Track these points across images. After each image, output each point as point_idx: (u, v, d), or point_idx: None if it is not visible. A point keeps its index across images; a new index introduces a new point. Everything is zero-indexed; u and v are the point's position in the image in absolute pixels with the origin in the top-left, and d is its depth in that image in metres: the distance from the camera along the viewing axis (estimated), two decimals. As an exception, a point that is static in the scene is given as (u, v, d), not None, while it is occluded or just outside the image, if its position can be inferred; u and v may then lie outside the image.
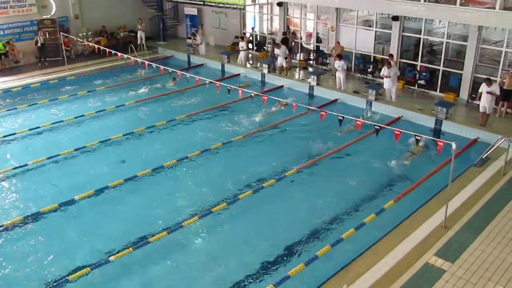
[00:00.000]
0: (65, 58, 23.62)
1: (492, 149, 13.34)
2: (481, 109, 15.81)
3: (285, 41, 22.06)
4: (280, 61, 21.63)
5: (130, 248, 9.82)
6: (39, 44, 24.59)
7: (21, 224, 11.00)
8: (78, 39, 25.17)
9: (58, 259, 9.89)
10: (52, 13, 25.99)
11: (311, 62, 23.69)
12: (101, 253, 9.99)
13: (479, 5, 16.75)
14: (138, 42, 27.11)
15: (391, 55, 18.64)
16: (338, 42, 21.44)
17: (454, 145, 9.71)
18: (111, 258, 9.52)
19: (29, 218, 11.15)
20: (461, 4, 16.58)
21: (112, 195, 12.31)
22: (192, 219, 10.87)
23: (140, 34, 27.27)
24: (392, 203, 11.32)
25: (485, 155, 13.41)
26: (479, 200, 11.43)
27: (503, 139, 13.10)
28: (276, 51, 21.75)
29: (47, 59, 25.06)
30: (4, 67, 23.80)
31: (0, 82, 21.77)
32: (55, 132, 16.46)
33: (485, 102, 15.62)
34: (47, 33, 25.32)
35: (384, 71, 17.62)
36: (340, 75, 19.40)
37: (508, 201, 11.39)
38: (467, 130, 15.40)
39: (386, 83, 17.71)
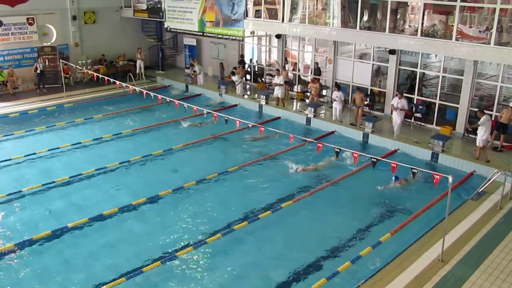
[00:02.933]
0: (64, 85, 23.73)
1: (489, 182, 13.34)
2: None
3: (241, 63, 24.09)
4: (277, 92, 21.78)
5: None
6: (38, 71, 24.75)
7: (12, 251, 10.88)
8: (78, 66, 25.36)
9: None
10: (52, 41, 26.28)
11: (308, 94, 23.83)
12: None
13: (474, 40, 16.99)
14: (137, 71, 27.35)
15: (401, 92, 18.60)
16: (315, 79, 21.87)
17: (450, 179, 9.71)
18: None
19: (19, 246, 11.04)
20: (456, 39, 16.81)
21: (112, 222, 12.23)
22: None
23: (139, 63, 27.52)
24: (389, 236, 11.24)
25: (482, 189, 13.40)
26: (476, 234, 11.38)
27: (499, 173, 13.11)
28: (275, 79, 21.93)
29: (46, 85, 25.19)
30: (2, 93, 23.92)
31: (-1, 108, 21.86)
32: (51, 158, 16.39)
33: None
34: (46, 60, 25.51)
35: (395, 102, 17.71)
36: (337, 106, 19.49)
37: (505, 235, 11.35)
38: (464, 164, 15.43)
39: (395, 115, 17.76)
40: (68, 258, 10.75)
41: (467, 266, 10.08)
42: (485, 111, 16.00)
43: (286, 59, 24.95)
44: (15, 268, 10.38)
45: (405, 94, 18.44)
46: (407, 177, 14.00)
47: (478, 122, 15.48)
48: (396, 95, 18.05)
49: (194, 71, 25.74)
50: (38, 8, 25.37)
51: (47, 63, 25.51)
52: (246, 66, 26.64)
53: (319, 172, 15.29)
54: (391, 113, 18.32)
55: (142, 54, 27.62)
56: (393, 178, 13.96)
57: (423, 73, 19.75)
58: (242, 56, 26.52)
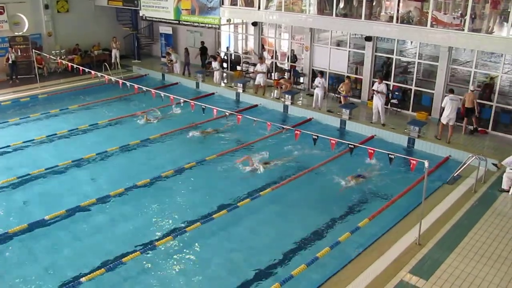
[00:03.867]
0: (38, 76, 23.28)
1: (464, 167, 13.56)
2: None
3: (203, 50, 25.63)
4: (259, 80, 21.75)
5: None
6: (10, 61, 24.20)
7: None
8: (51, 56, 24.90)
9: None
10: (24, 30, 25.74)
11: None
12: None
13: (449, 27, 17.19)
14: (113, 61, 26.97)
15: (380, 77, 18.54)
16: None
17: (426, 163, 9.84)
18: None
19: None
20: (431, 26, 16.97)
21: (98, 211, 12.15)
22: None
23: (115, 53, 27.15)
24: (367, 221, 11.38)
25: (457, 173, 13.63)
26: (452, 218, 11.59)
27: (474, 157, 13.34)
28: (258, 67, 21.90)
29: (18, 76, 24.68)
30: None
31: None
32: (26, 150, 16.12)
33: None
34: (19, 50, 24.99)
35: (375, 86, 17.80)
36: (319, 92, 19.57)
37: (479, 218, 11.59)
38: (439, 148, 15.67)
39: (376, 99, 17.75)
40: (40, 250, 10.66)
41: (443, 248, 10.26)
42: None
43: (263, 47, 24.89)
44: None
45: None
46: (364, 173, 14.04)
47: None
48: (376, 80, 18.12)
49: (171, 60, 25.52)
50: (9, -3, 24.78)
51: (19, 53, 24.99)
52: (223, 54, 26.51)
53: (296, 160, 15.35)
54: (370, 99, 18.36)
55: (117, 44, 27.24)
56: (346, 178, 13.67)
57: (399, 60, 19.92)
58: (202, 43, 26.40)
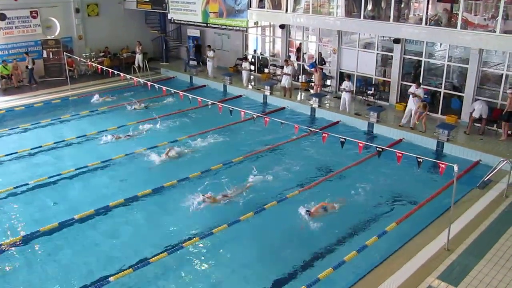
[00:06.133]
0: (68, 78, 23.77)
1: (494, 171, 13.31)
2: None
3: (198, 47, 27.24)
4: (284, 82, 21.76)
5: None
6: (30, 67, 24.66)
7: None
8: (81, 59, 25.39)
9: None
10: (56, 34, 26.30)
11: (312, 84, 23.81)
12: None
13: (480, 28, 16.89)
14: (136, 65, 26.98)
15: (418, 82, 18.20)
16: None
17: (456, 168, 9.71)
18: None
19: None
20: (461, 28, 16.70)
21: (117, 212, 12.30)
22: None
23: (138, 57, 27.36)
24: (394, 226, 11.27)
25: (487, 178, 13.38)
26: (482, 223, 11.39)
27: (505, 162, 13.08)
28: (284, 69, 21.92)
29: (50, 78, 25.36)
30: (7, 86, 24.00)
31: (4, 101, 21.96)
32: (58, 151, 16.48)
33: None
34: (51, 53, 25.61)
35: (412, 89, 17.56)
36: (346, 96, 19.48)
37: (511, 223, 11.33)
38: (469, 152, 15.41)
39: (411, 103, 17.49)
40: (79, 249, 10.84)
41: (473, 255, 10.09)
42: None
43: (299, 50, 24.80)
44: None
45: (410, 84, 18.38)
46: (334, 202, 12.54)
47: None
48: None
49: (208, 56, 25.60)
50: (42, 1, 25.38)
51: (51, 56, 25.60)
52: (250, 57, 26.58)
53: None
54: (407, 99, 17.94)
55: (140, 48, 27.46)
56: (305, 210, 11.97)
57: (428, 62, 19.66)
58: (197, 41, 28.52)
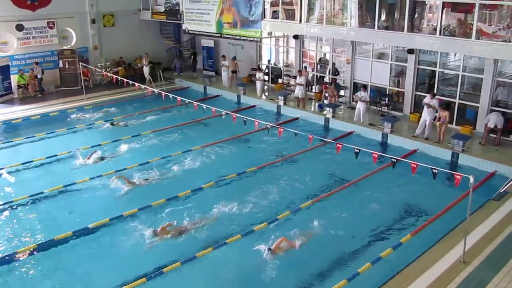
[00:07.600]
0: (84, 88, 24.01)
1: (510, 182, 13.17)
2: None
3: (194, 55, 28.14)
4: (297, 92, 21.78)
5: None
6: (39, 77, 24.89)
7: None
8: (97, 69, 25.70)
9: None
10: (72, 44, 26.65)
11: (326, 95, 23.79)
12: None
13: (494, 39, 16.80)
14: (145, 76, 27.08)
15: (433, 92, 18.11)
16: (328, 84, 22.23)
17: (471, 179, 9.63)
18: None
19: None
20: (476, 38, 16.62)
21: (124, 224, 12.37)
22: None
23: (145, 69, 27.45)
24: (409, 237, 11.19)
25: (503, 189, 13.25)
26: (498, 235, 11.25)
27: (522, 173, 12.96)
28: (297, 79, 21.95)
29: (66, 88, 25.71)
30: (24, 95, 24.32)
31: (21, 110, 22.30)
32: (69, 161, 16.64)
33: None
34: (67, 63, 25.96)
35: (427, 100, 17.48)
36: (361, 106, 19.46)
37: (528, 236, 11.21)
38: (485, 163, 15.26)
39: (425, 114, 17.43)
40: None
41: (490, 267, 9.96)
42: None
43: (317, 60, 24.84)
44: None
45: (424, 94, 18.28)
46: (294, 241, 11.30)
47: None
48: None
49: (224, 65, 25.75)
50: (58, 12, 25.77)
51: (67, 66, 25.94)
52: (264, 67, 26.66)
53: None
54: (422, 109, 17.85)
55: (147, 59, 27.60)
56: (267, 249, 10.75)
57: (442, 72, 19.57)
58: (193, 48, 30.05)
